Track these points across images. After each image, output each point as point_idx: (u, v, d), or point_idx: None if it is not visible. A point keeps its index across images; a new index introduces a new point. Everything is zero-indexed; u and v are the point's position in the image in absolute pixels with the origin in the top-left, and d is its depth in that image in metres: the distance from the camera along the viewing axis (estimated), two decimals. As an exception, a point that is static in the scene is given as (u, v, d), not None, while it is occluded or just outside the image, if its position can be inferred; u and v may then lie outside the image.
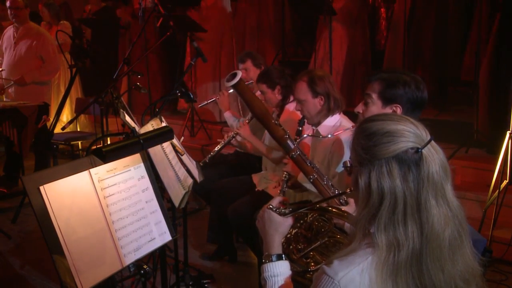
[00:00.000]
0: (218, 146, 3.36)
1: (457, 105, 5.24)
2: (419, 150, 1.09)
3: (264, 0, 6.37)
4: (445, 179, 1.11)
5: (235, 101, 5.14)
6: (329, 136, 2.23)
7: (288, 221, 1.46)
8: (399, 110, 1.87)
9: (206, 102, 3.90)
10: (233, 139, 3.32)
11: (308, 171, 2.05)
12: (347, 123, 2.59)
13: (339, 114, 2.63)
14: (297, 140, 2.20)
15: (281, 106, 3.27)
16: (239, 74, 2.05)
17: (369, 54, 5.66)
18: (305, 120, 2.60)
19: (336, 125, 2.58)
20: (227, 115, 3.76)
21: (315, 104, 2.56)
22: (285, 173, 2.47)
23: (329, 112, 2.58)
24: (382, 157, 1.10)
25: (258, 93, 3.25)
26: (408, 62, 5.26)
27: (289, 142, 2.06)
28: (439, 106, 5.10)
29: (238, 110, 5.08)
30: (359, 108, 1.97)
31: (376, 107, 1.90)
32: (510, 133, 3.24)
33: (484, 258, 1.21)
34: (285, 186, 2.36)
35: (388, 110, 1.88)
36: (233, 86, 2.07)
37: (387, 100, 1.88)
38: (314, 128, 2.65)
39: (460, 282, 1.12)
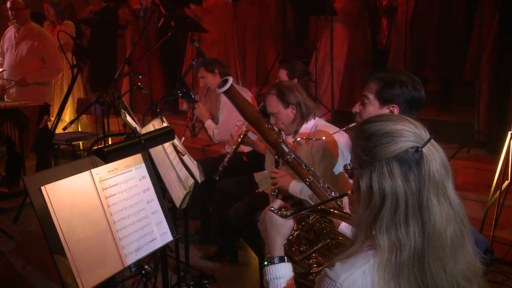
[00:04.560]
0: (233, 146, 3.33)
1: (458, 105, 5.24)
2: (419, 149, 1.09)
3: (265, 0, 6.38)
4: (446, 177, 1.11)
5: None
6: (323, 138, 2.23)
7: (290, 223, 1.45)
8: (396, 111, 1.87)
9: (194, 118, 4.01)
10: (246, 137, 3.32)
11: (304, 174, 2.05)
12: (323, 125, 2.66)
13: (314, 119, 2.69)
14: (291, 144, 2.20)
15: None
16: (230, 80, 2.05)
17: (370, 54, 5.66)
18: (282, 133, 2.62)
19: (312, 129, 2.65)
20: (207, 124, 3.80)
21: (287, 114, 2.63)
22: (273, 187, 2.48)
23: (303, 119, 2.65)
24: (382, 158, 1.10)
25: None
26: (412, 63, 5.26)
27: (283, 146, 2.05)
28: (442, 106, 5.10)
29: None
30: (356, 108, 1.97)
31: (373, 107, 1.90)
32: (511, 133, 3.24)
33: (485, 256, 1.21)
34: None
35: (385, 110, 1.88)
36: (225, 92, 2.06)
37: (384, 101, 1.88)
38: (292, 138, 2.70)
39: (462, 281, 1.12)
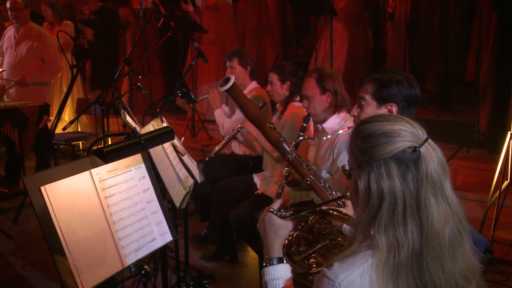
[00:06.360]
0: (223, 141, 3.32)
1: (458, 105, 5.24)
2: (417, 148, 1.09)
3: (265, 0, 6.38)
4: (443, 176, 1.11)
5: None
6: (324, 138, 2.23)
7: (289, 224, 1.45)
8: (394, 109, 1.87)
9: (201, 98, 3.94)
10: (238, 133, 3.31)
11: (305, 173, 2.05)
12: (352, 124, 2.59)
13: (345, 113, 2.63)
14: (293, 143, 2.20)
15: (285, 103, 3.27)
16: (232, 79, 2.05)
17: (370, 54, 5.66)
18: (310, 117, 2.60)
19: (341, 123, 2.59)
20: (218, 113, 3.75)
21: (322, 100, 2.57)
22: (286, 168, 2.46)
23: (335, 109, 2.59)
24: (380, 158, 1.10)
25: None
26: (412, 62, 5.26)
27: (284, 145, 2.05)
28: (442, 106, 5.11)
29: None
30: (354, 111, 1.97)
31: (371, 108, 1.90)
32: (511, 134, 3.24)
33: (485, 256, 1.21)
34: (284, 181, 2.35)
35: (383, 109, 1.89)
36: (227, 91, 2.07)
37: (381, 100, 1.88)
38: (318, 125, 2.66)
39: (461, 280, 1.12)
